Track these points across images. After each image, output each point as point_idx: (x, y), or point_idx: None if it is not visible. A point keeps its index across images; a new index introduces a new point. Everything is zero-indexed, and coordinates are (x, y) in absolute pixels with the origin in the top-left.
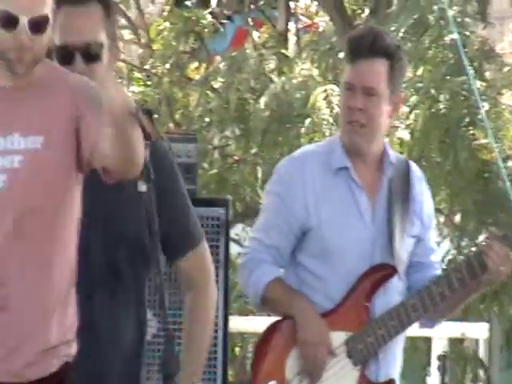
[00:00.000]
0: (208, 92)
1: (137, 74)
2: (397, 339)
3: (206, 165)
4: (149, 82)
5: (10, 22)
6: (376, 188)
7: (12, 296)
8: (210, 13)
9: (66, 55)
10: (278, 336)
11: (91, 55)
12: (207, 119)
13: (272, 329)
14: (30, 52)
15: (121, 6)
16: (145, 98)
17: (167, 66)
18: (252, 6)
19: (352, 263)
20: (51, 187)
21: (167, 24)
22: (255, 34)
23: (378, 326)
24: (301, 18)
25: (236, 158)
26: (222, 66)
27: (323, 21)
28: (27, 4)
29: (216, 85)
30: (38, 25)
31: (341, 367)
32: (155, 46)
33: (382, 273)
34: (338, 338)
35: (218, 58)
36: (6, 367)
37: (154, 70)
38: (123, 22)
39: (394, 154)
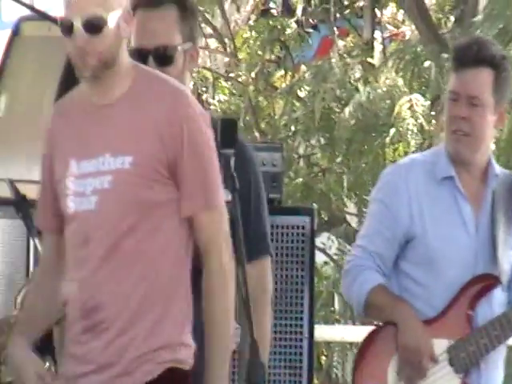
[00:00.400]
0: (293, 101)
1: (222, 83)
2: (498, 349)
3: (291, 174)
4: (234, 91)
5: (68, 27)
6: (480, 199)
7: (111, 318)
8: (296, 22)
9: (139, 58)
10: (380, 342)
11: (164, 58)
12: (293, 128)
13: (373, 335)
14: (90, 55)
15: (206, 15)
16: (230, 107)
17: (253, 74)
18: (338, 15)
19: (455, 272)
20: (140, 206)
21: (253, 33)
22: (340, 43)
23: (481, 335)
24: (387, 26)
25: (321, 166)
26: (307, 75)
27: (409, 29)
28: (79, 7)
29: (301, 94)
30: (92, 26)
31: (442, 375)
32: (241, 55)
33: (485, 283)
34: (440, 345)
35: (304, 67)
36: (100, 378)
37: (239, 79)
38: (209, 30)
39: (498, 167)
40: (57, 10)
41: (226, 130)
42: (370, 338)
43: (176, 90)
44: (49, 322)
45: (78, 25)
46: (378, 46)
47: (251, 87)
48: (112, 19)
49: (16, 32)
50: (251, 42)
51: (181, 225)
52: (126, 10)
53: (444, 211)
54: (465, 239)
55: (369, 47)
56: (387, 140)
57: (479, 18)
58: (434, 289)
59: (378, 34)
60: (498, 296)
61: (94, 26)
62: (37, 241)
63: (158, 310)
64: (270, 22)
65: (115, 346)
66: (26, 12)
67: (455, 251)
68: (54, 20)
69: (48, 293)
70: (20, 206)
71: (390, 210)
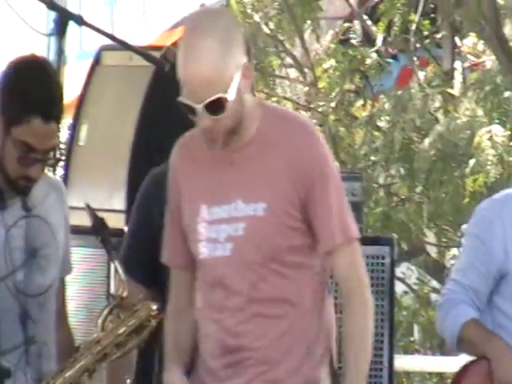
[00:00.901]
0: (373, 131)
1: (302, 113)
2: None
3: (371, 203)
4: (314, 120)
5: (191, 111)
6: None
7: (253, 357)
8: (376, 51)
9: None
10: (474, 377)
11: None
12: (372, 158)
13: (466, 369)
14: (217, 132)
15: (286, 44)
16: None
17: (332, 104)
18: (417, 45)
19: None
20: (275, 252)
21: (332, 62)
22: (420, 73)
23: None
24: (467, 56)
25: (401, 196)
26: (386, 105)
27: (489, 60)
28: (199, 96)
29: (381, 124)
30: (214, 108)
31: None
32: (321, 85)
33: None
34: None
35: (383, 96)
36: None
37: (319, 109)
38: (289, 60)
39: None
40: (138, 38)
41: None
42: (464, 372)
43: (304, 127)
44: (191, 352)
45: (199, 110)
46: (458, 76)
47: (331, 117)
48: (232, 92)
49: (97, 61)
50: (331, 71)
51: (315, 264)
52: (243, 66)
53: None
54: None
55: (449, 77)
56: (467, 170)
57: None
58: None
59: (458, 63)
60: None
61: (216, 109)
62: (117, 263)
63: (299, 349)
64: (350, 52)
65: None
66: (107, 41)
67: None
68: (134, 49)
69: (186, 327)
70: (98, 229)
71: (485, 245)
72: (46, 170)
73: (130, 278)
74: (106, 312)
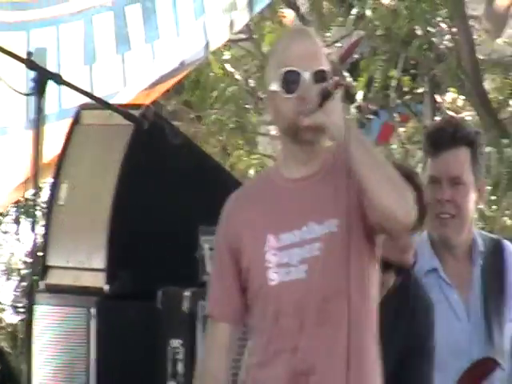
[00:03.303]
0: None
1: None
2: None
3: None
4: None
5: (294, 82)
6: (468, 282)
7: (324, 382)
8: (356, 107)
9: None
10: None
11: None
12: None
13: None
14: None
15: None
16: None
17: None
18: (398, 101)
19: (453, 363)
20: (350, 269)
21: None
22: (401, 129)
23: None
24: (447, 112)
25: None
26: None
27: (469, 115)
28: (306, 62)
29: None
30: (321, 76)
31: None
32: None
33: (483, 367)
34: None
35: None
36: None
37: None
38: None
39: (484, 237)
40: (117, 98)
41: None
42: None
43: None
44: None
45: (306, 77)
46: None
47: None
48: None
49: (76, 120)
50: None
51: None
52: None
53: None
54: (457, 327)
55: None
56: None
57: None
58: (436, 380)
59: (438, 119)
60: (499, 375)
61: (323, 77)
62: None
63: (364, 373)
64: None
65: None
66: (86, 100)
67: (450, 342)
68: (113, 108)
69: (223, 374)
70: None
71: None
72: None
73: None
74: None
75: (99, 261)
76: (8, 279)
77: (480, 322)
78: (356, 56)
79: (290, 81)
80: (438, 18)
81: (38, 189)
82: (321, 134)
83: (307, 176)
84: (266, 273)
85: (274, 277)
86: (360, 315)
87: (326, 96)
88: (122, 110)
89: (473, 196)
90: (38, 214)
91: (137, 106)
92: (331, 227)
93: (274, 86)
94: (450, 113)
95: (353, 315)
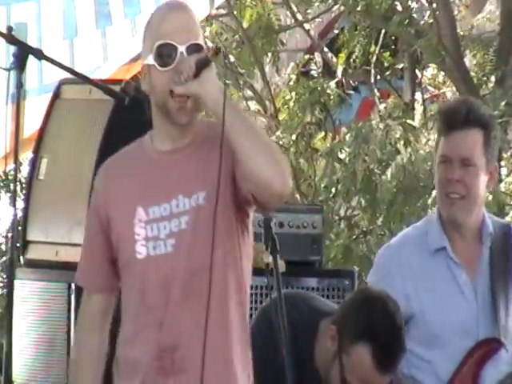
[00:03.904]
0: (334, 163)
1: None
2: None
3: (332, 236)
4: None
5: (169, 55)
6: (476, 262)
7: (189, 357)
8: (336, 83)
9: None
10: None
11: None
12: (333, 190)
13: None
14: (189, 103)
15: (246, 77)
16: None
17: (293, 136)
18: (378, 77)
19: (458, 342)
20: (217, 241)
21: (293, 94)
22: (381, 105)
23: None
24: (427, 88)
25: (362, 228)
26: (348, 136)
27: (450, 91)
28: (180, 38)
29: (342, 155)
30: (195, 49)
31: None
32: (281, 117)
33: (487, 348)
34: None
35: (344, 128)
36: None
37: (280, 142)
38: (249, 93)
39: (494, 221)
40: (97, 73)
41: None
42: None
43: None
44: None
45: (182, 50)
46: (418, 108)
47: (292, 149)
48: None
49: (57, 95)
50: (291, 103)
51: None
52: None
53: (440, 282)
54: (464, 307)
55: (409, 109)
56: (429, 201)
57: None
58: (439, 362)
59: (418, 95)
60: (503, 356)
61: (197, 51)
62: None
63: (230, 351)
64: (311, 84)
65: None
66: (67, 75)
67: (456, 321)
68: (94, 83)
69: (95, 349)
70: None
71: None
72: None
73: None
74: None
75: (79, 235)
76: None
77: (487, 303)
78: (336, 31)
79: (165, 54)
80: None
81: (18, 164)
82: (195, 115)
83: (178, 148)
84: (135, 246)
85: (141, 250)
86: (227, 289)
87: (202, 66)
88: (103, 85)
89: (483, 178)
90: (18, 188)
91: (117, 82)
92: (199, 200)
93: (149, 60)
94: (430, 88)
95: (218, 289)
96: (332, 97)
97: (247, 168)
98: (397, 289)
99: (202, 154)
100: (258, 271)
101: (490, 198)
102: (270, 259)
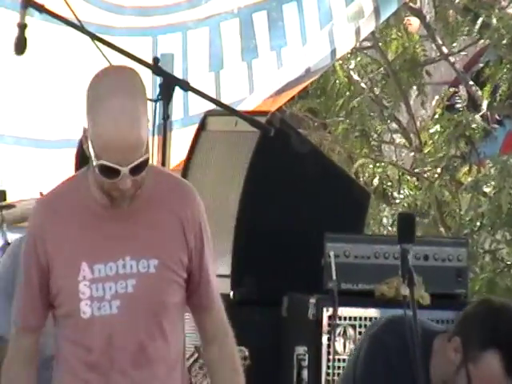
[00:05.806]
0: (479, 196)
1: (408, 178)
2: None
3: (476, 269)
4: (420, 186)
5: (113, 173)
6: None
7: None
8: (481, 116)
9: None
10: None
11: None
12: (478, 223)
13: None
14: (131, 191)
15: (392, 110)
16: (415, 202)
17: (438, 169)
18: None
19: None
20: (163, 310)
21: (438, 127)
22: None
23: None
24: None
25: (507, 262)
26: (492, 170)
27: None
28: (123, 156)
29: (487, 189)
30: (138, 169)
31: None
32: (426, 150)
33: None
34: None
35: (489, 162)
36: None
37: (425, 174)
38: (394, 125)
39: None
40: (243, 105)
41: (405, 225)
42: None
43: (187, 185)
44: None
45: (125, 172)
46: None
47: (437, 182)
48: (148, 151)
49: (202, 127)
50: (436, 136)
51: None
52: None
53: None
54: None
55: None
56: None
57: None
58: None
59: None
60: None
61: (139, 170)
62: None
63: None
64: (456, 117)
65: None
66: (212, 106)
67: None
68: (240, 115)
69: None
70: None
71: None
72: None
73: None
74: (189, 363)
75: (225, 267)
76: None
77: None
78: (481, 65)
79: (109, 171)
80: None
81: None
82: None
83: (130, 206)
84: (79, 304)
85: (86, 309)
86: (169, 355)
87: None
88: (249, 116)
89: None
90: None
91: (263, 113)
92: (149, 266)
93: (94, 163)
94: None
95: (164, 354)
96: (477, 130)
97: None
98: None
99: (150, 213)
100: (394, 303)
101: None
102: (407, 292)
